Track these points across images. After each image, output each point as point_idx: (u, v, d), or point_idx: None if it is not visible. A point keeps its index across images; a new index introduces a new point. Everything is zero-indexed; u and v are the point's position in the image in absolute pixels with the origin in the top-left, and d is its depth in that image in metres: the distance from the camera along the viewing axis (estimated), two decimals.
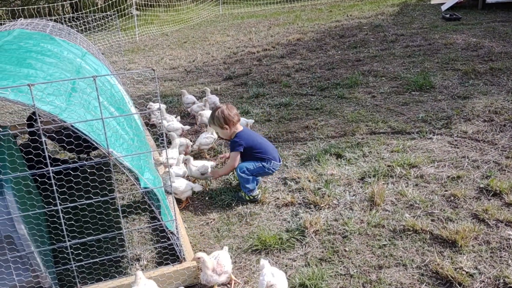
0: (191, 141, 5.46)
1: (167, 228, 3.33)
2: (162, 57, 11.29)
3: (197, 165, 4.49)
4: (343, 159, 4.87)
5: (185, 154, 5.09)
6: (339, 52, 9.68)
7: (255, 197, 4.26)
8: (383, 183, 4.22)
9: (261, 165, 4.28)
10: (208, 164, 4.55)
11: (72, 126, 2.73)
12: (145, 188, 3.03)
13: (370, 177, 4.40)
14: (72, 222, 3.84)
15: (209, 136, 5.29)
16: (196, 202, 4.40)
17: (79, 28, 12.76)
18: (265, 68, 9.11)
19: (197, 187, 4.33)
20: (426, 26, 11.12)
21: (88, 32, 13.22)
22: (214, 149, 5.52)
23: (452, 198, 3.93)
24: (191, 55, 11.19)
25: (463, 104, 5.92)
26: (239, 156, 4.36)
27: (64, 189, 4.00)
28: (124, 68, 10.26)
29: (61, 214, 2.84)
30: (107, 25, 14.80)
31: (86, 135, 2.75)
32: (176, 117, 6.35)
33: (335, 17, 14.37)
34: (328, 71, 8.32)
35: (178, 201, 4.32)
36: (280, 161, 4.48)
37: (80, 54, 4.79)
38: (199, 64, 10.10)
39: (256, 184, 4.29)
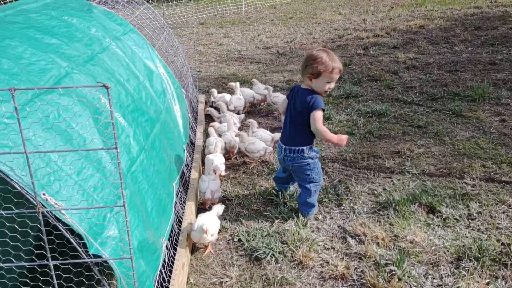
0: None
1: None
2: (259, 33, 10.24)
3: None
4: (437, 217, 3.41)
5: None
6: (470, 49, 7.67)
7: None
8: (487, 281, 2.74)
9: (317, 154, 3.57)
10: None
11: None
12: (96, 256, 2.05)
13: (470, 260, 2.93)
14: None
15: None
16: (221, 243, 3.35)
17: None
18: (369, 59, 7.56)
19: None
20: None
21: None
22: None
23: None
24: (291, 34, 9.96)
25: None
26: None
27: None
28: (195, 48, 9.44)
29: None
30: None
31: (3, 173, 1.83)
32: (240, 114, 5.34)
33: (475, 2, 11.87)
34: (448, 74, 6.52)
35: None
36: None
37: (120, 32, 3.93)
38: (296, 46, 8.86)
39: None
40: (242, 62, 8.05)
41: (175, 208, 3.23)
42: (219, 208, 3.37)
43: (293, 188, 3.86)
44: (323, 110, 3.31)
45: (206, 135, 4.76)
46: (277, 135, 4.63)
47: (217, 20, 11.57)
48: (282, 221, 3.51)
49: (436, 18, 10.18)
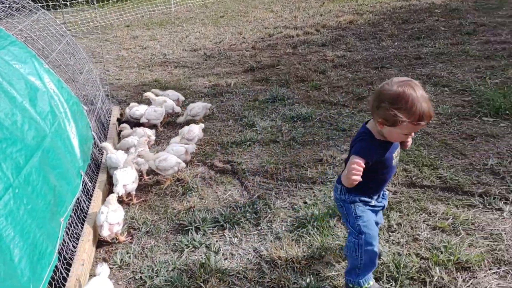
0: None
1: None
2: (188, 34, 9.83)
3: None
4: None
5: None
6: (396, 43, 7.66)
7: None
8: None
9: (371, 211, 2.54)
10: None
11: None
12: None
13: (389, 281, 2.72)
14: None
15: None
16: (120, 284, 2.96)
17: None
18: (298, 59, 7.37)
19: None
20: None
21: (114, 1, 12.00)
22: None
23: None
24: (221, 34, 9.63)
25: None
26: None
27: None
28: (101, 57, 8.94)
29: None
30: None
31: None
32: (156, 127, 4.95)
33: None
34: (374, 71, 6.43)
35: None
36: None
37: None
38: (224, 47, 8.53)
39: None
40: (166, 66, 7.61)
41: (63, 248, 2.81)
42: (104, 270, 2.77)
43: None
44: (365, 160, 2.23)
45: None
46: (191, 147, 4.29)
47: (144, 21, 11.01)
48: (193, 249, 3.18)
49: (365, 13, 10.19)
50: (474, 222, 3.15)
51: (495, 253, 2.86)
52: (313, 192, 3.75)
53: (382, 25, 8.93)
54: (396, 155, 2.40)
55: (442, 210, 3.30)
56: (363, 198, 2.48)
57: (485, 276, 2.68)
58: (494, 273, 2.71)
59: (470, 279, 2.67)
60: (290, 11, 11.37)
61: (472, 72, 5.93)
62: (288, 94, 5.89)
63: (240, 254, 3.12)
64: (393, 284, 2.68)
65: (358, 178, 2.18)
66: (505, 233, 3.02)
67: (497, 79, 5.59)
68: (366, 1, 11.63)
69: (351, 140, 2.41)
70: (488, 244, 2.94)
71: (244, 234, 3.31)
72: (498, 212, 3.25)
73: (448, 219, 3.20)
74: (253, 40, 8.84)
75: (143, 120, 4.98)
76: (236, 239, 3.27)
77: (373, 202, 2.53)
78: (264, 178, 4.05)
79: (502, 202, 3.33)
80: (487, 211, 3.27)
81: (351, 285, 2.55)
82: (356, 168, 2.18)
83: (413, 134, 2.25)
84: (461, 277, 2.69)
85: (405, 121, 2.10)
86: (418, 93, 2.08)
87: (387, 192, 2.64)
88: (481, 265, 2.76)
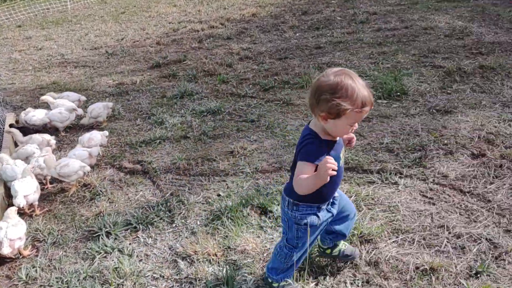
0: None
1: None
2: (87, 32, 9.34)
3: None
4: (269, 217, 3.30)
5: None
6: (298, 34, 7.96)
7: None
8: (314, 282, 2.69)
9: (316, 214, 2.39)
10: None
11: None
12: None
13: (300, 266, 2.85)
14: None
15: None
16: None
17: None
18: (204, 53, 7.35)
19: None
20: (404, 3, 9.44)
21: None
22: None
23: None
24: (123, 30, 9.29)
25: (444, 124, 4.38)
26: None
27: None
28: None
29: None
30: None
31: None
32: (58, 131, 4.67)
33: None
34: (279, 62, 6.63)
35: None
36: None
37: None
38: (127, 44, 8.25)
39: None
40: (65, 67, 7.18)
41: None
42: None
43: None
44: (315, 164, 2.11)
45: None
46: (95, 149, 4.11)
47: (37, 21, 10.25)
48: (105, 255, 3.06)
49: (267, 5, 10.42)
50: (373, 197, 3.41)
51: (393, 223, 3.13)
52: (226, 184, 3.80)
53: (283, 17, 9.20)
54: (342, 154, 2.33)
55: (346, 189, 3.52)
56: (311, 216, 2.34)
57: (385, 245, 2.92)
58: (394, 242, 2.96)
59: (373, 250, 2.89)
60: (193, 5, 11.28)
61: (367, 59, 6.35)
62: (196, 88, 5.87)
63: (155, 254, 3.08)
64: (304, 263, 2.82)
65: (334, 172, 2.02)
66: (401, 205, 3.31)
67: (389, 64, 6.05)
68: None
69: (298, 143, 2.23)
70: (387, 216, 3.20)
71: (159, 233, 3.27)
72: (394, 186, 3.55)
73: (351, 196, 3.43)
74: (157, 36, 8.65)
75: (44, 119, 4.68)
76: (150, 239, 3.21)
77: (322, 214, 2.37)
78: (177, 175, 4.02)
79: (397, 176, 3.64)
80: (385, 186, 3.55)
81: (270, 281, 2.61)
82: (332, 162, 2.01)
83: (356, 125, 2.16)
84: (365, 249, 2.91)
85: (349, 109, 2.01)
86: (356, 81, 2.04)
87: (337, 198, 2.48)
88: (381, 236, 3.00)
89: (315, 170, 2.10)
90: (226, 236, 3.12)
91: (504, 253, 2.78)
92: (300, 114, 4.92)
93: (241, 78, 6.12)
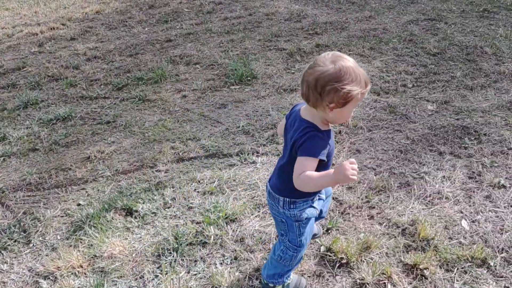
0: None
1: None
2: None
3: None
4: (135, 217, 3.25)
5: None
6: (146, 29, 7.81)
7: None
8: (188, 268, 2.75)
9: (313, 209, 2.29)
10: None
11: None
12: None
13: (170, 253, 2.88)
14: None
15: None
16: None
17: None
18: (47, 57, 6.79)
19: None
20: None
21: None
22: None
23: None
24: None
25: (291, 101, 4.75)
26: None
27: None
28: None
29: None
30: None
31: None
32: None
33: None
34: (130, 58, 6.44)
35: None
36: None
37: None
38: None
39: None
40: None
41: None
42: None
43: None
44: (322, 159, 1.95)
45: None
46: None
47: None
48: None
49: (111, 1, 9.98)
50: (235, 178, 3.58)
51: (255, 200, 3.33)
52: (86, 192, 3.62)
53: (130, 12, 8.93)
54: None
55: (208, 176, 3.63)
56: (309, 209, 2.26)
57: (249, 221, 3.10)
58: (256, 216, 3.16)
59: (238, 228, 3.05)
60: (29, 6, 10.27)
61: (217, 48, 6.53)
62: (41, 96, 5.42)
63: (13, 279, 2.83)
64: (174, 254, 2.86)
65: (356, 178, 1.86)
66: (260, 181, 3.53)
67: (237, 51, 6.31)
68: None
69: (294, 137, 2.00)
70: (248, 194, 3.39)
71: (15, 257, 3.00)
72: (252, 165, 3.76)
73: (214, 182, 3.55)
74: None
75: None
76: (6, 265, 2.94)
77: (317, 203, 2.31)
78: (29, 191, 3.70)
79: (255, 155, 3.86)
80: (244, 166, 3.74)
81: (272, 286, 2.50)
82: (355, 168, 1.84)
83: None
84: (231, 228, 3.05)
85: (358, 92, 1.87)
86: (350, 60, 1.90)
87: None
88: (245, 213, 3.17)
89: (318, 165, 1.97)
90: (91, 245, 3.00)
91: (348, 207, 3.16)
92: (157, 109, 4.88)
93: (91, 80, 5.82)
